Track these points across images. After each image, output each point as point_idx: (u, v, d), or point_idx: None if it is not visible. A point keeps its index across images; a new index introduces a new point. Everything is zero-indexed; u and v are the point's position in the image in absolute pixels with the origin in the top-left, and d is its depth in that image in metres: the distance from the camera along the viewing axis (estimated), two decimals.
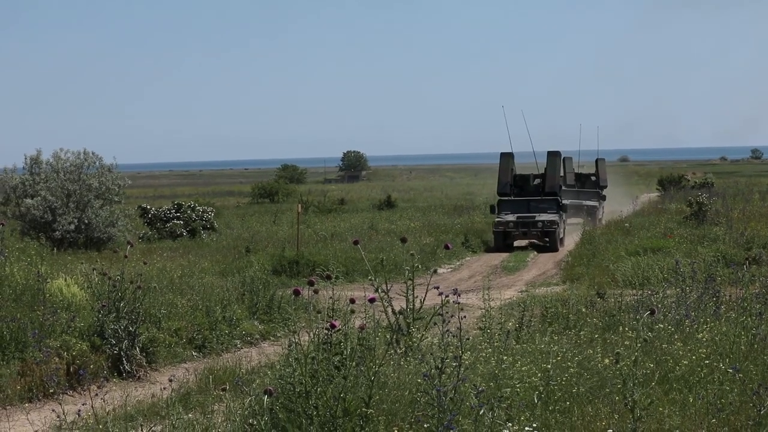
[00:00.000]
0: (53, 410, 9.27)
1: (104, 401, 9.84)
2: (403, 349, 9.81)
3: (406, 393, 8.00)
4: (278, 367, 9.14)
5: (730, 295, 13.25)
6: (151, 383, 13.08)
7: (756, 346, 10.11)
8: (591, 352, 10.03)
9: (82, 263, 19.80)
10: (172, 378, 11.52)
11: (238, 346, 15.58)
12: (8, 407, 11.28)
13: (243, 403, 8.15)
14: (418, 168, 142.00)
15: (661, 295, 12.75)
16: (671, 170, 75.16)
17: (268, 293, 17.59)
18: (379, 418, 7.42)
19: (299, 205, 33.16)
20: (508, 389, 8.15)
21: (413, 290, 10.03)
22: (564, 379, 8.89)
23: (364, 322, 8.54)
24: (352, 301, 7.91)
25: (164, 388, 11.14)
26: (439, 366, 7.13)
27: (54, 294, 14.69)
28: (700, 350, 9.69)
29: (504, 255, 30.73)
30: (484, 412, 6.94)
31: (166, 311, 15.13)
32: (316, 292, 7.43)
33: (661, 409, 7.96)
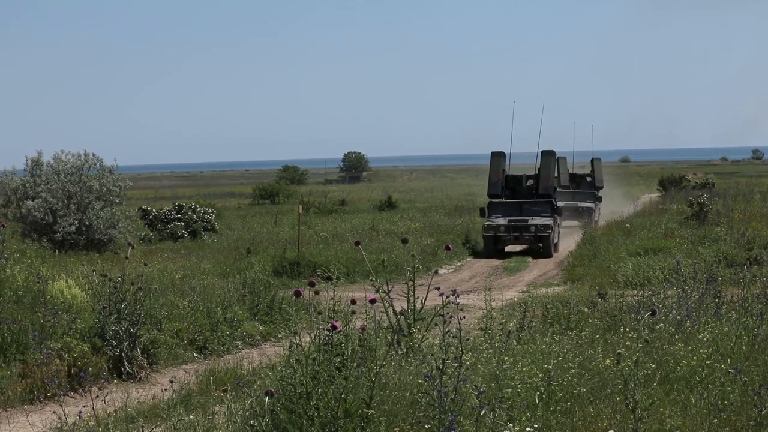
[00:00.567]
0: (54, 412, 9.28)
1: (105, 403, 9.84)
2: (404, 349, 9.80)
3: (407, 394, 7.99)
4: (279, 368, 9.14)
5: (731, 296, 13.24)
6: (152, 384, 13.07)
7: (757, 346, 10.10)
8: (592, 352, 10.02)
9: (83, 265, 19.84)
10: (173, 379, 11.56)
11: (239, 347, 15.58)
12: (9, 409, 11.27)
13: (244, 405, 8.14)
14: (418, 169, 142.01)
15: (662, 295, 12.74)
16: (672, 170, 75.14)
17: (269, 294, 17.59)
18: (380, 419, 7.42)
19: (300, 206, 33.16)
20: (509, 390, 8.15)
21: (414, 291, 10.03)
22: (565, 379, 8.88)
23: (365, 323, 8.54)
24: (353, 302, 7.91)
25: (165, 390, 11.15)
26: (440, 367, 7.12)
27: (55, 296, 14.71)
28: (701, 351, 9.69)
29: (504, 255, 30.58)
30: (485, 412, 6.94)
31: (167, 312, 15.14)
32: (317, 293, 7.43)
33: (662, 409, 7.96)
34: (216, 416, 9.06)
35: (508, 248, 31.38)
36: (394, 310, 10.14)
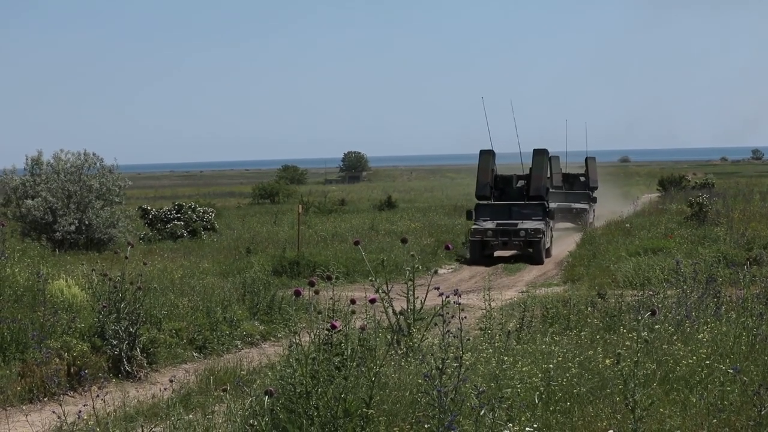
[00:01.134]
0: (54, 411, 9.28)
1: (105, 402, 9.84)
2: (404, 349, 9.81)
3: (407, 393, 8.00)
4: (279, 367, 9.15)
5: (730, 296, 13.25)
6: (151, 384, 13.07)
7: (757, 346, 10.10)
8: (592, 352, 10.02)
9: (82, 264, 19.83)
10: (173, 379, 11.55)
11: (239, 346, 15.58)
12: (8, 408, 11.27)
13: (244, 404, 8.15)
14: (418, 168, 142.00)
15: (661, 295, 12.75)
16: (672, 171, 75.12)
17: (268, 294, 17.60)
18: (380, 418, 7.42)
19: (300, 206, 33.15)
20: (509, 390, 8.15)
21: (414, 291, 10.03)
22: (565, 379, 8.88)
23: (365, 323, 8.54)
24: (353, 301, 7.91)
25: (165, 389, 11.16)
26: (440, 366, 7.12)
27: (55, 295, 14.71)
28: (700, 351, 9.69)
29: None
30: (484, 412, 6.93)
31: (167, 312, 15.14)
32: (316, 292, 7.43)
33: (662, 409, 7.96)
34: (215, 416, 9.06)
35: (497, 253, 29.40)
36: (393, 309, 10.14)
